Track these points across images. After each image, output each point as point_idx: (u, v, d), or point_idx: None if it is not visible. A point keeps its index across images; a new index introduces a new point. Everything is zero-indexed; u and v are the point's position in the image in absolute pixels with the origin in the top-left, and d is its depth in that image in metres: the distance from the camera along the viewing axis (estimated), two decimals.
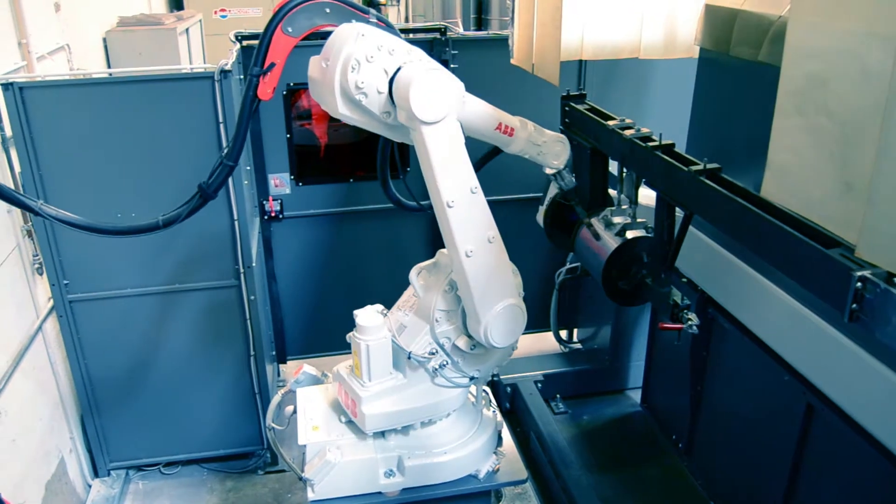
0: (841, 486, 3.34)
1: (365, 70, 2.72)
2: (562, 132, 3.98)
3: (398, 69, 2.76)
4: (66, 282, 4.40)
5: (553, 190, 4.11)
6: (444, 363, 3.20)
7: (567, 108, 3.87)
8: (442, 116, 2.76)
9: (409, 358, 3.16)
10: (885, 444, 2.90)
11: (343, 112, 2.82)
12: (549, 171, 3.57)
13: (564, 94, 3.94)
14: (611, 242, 3.60)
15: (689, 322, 3.34)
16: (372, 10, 2.97)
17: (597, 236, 3.60)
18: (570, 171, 3.61)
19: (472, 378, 3.27)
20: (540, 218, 4.14)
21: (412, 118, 2.72)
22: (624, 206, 3.72)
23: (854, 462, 3.20)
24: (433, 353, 3.17)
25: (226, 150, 2.97)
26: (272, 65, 2.82)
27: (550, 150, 3.42)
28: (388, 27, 2.93)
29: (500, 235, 3.01)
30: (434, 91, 2.70)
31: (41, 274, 4.48)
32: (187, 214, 3.03)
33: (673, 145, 3.18)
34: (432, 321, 3.14)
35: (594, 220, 3.67)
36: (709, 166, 2.80)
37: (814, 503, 3.53)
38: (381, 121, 2.86)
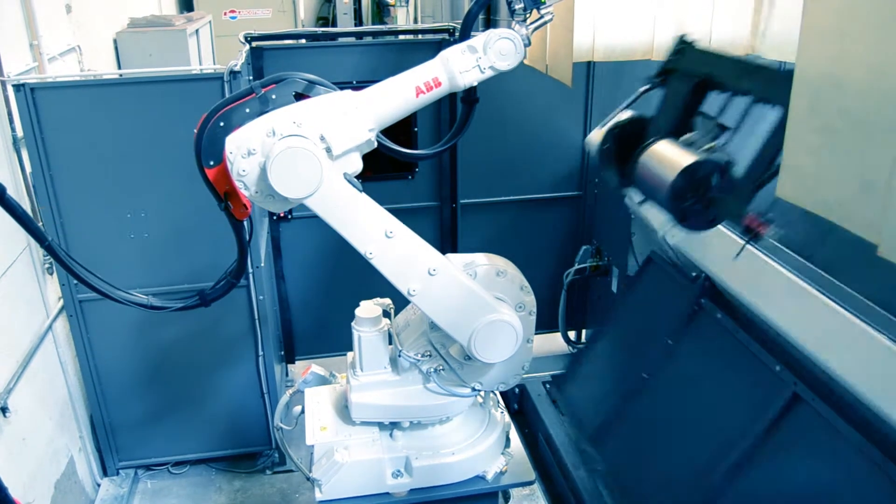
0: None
1: (241, 162, 2.62)
2: (664, 68, 3.57)
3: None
4: (75, 282, 4.41)
5: (623, 115, 3.64)
6: (440, 368, 3.18)
7: (681, 48, 3.44)
8: (311, 191, 2.62)
9: (400, 356, 3.17)
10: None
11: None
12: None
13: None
14: (688, 156, 3.06)
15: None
16: (256, 85, 2.73)
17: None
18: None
19: (473, 389, 3.24)
20: (595, 138, 3.63)
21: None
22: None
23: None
24: (428, 356, 3.16)
25: (231, 269, 3.14)
26: (227, 193, 2.80)
27: (494, 53, 2.82)
28: (283, 82, 2.72)
29: (444, 262, 2.84)
30: (293, 168, 2.54)
31: (51, 274, 4.50)
32: (177, 309, 3.21)
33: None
34: (426, 324, 3.13)
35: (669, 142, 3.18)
36: None
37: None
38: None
